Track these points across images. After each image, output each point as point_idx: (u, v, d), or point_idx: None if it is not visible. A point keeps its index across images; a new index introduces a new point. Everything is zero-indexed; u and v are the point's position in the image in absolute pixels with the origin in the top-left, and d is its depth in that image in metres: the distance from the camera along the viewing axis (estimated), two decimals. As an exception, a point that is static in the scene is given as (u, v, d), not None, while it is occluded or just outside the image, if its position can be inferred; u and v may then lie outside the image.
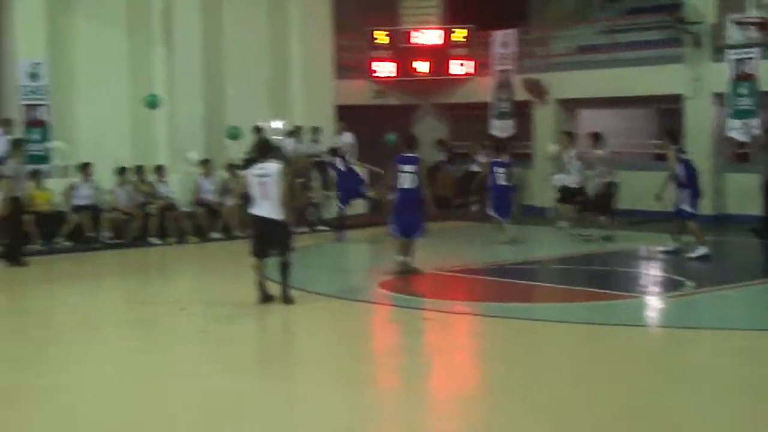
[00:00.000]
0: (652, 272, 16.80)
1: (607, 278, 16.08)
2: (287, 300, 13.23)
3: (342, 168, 21.38)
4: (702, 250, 17.03)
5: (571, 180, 20.57)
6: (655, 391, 9.09)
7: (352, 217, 23.61)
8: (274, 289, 13.45)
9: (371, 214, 24.13)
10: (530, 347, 11.20)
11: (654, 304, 13.77)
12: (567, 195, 20.83)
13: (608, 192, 19.61)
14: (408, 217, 15.46)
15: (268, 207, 13.12)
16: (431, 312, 13.00)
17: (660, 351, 11.03)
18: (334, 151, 21.97)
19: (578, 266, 17.10)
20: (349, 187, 21.43)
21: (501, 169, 19.61)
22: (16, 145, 18.35)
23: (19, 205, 17.95)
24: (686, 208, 17.22)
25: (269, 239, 13.26)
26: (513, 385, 9.36)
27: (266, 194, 13.09)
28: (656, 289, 15.09)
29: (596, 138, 19.91)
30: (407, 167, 15.37)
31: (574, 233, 20.21)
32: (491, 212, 19.63)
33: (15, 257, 17.62)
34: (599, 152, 19.50)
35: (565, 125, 25.02)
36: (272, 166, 13.30)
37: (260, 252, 13.33)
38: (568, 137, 21.53)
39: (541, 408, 8.56)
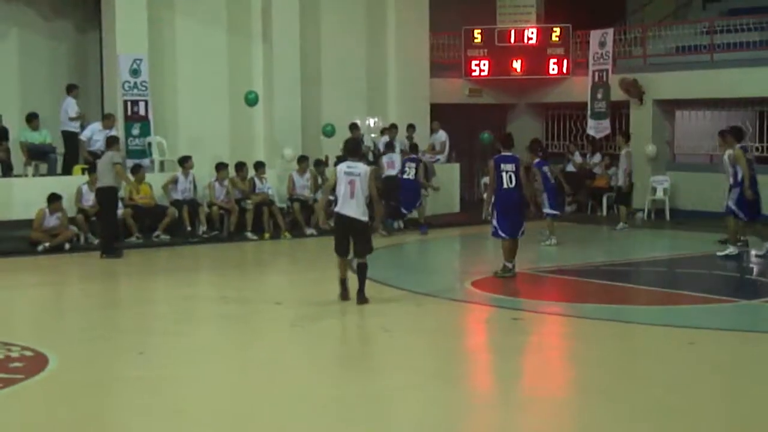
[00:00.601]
0: (747, 276, 16.60)
1: (702, 281, 15.90)
2: (362, 300, 13.27)
3: (404, 175, 21.38)
4: (731, 249, 17.33)
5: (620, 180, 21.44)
6: (758, 399, 9.02)
7: (445, 216, 23.71)
8: (372, 287, 13.57)
9: (461, 213, 24.26)
10: (625, 350, 11.16)
11: (750, 308, 13.58)
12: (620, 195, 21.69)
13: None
14: (511, 218, 15.32)
15: (353, 206, 13.15)
16: (523, 312, 13.00)
17: (758, 357, 10.86)
18: (413, 148, 21.95)
19: (671, 269, 16.94)
20: (407, 195, 21.37)
21: (546, 168, 19.36)
22: (112, 141, 18.71)
23: (115, 197, 18.34)
24: (731, 205, 17.19)
25: (350, 239, 13.30)
26: (607, 389, 9.32)
27: (353, 194, 13.11)
28: (751, 293, 14.90)
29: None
30: (508, 167, 15.29)
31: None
32: (548, 210, 19.30)
33: (109, 248, 18.02)
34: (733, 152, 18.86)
35: (662, 126, 24.81)
36: (362, 167, 13.38)
37: (343, 250, 13.36)
38: (624, 137, 21.61)
39: (636, 413, 8.51)
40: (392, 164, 21.58)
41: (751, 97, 23.38)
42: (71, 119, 20.95)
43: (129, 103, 21.38)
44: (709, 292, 14.59)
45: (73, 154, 20.89)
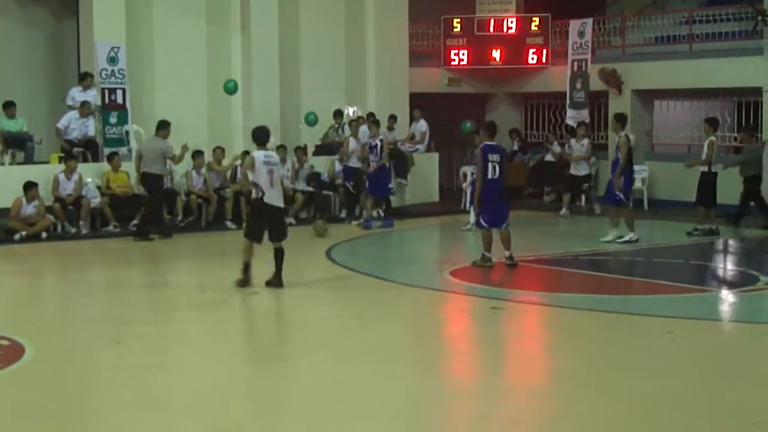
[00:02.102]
0: (725, 266, 16.66)
1: (680, 271, 15.94)
2: (277, 284, 13.50)
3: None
4: (631, 236, 17.61)
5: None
6: (735, 387, 9.06)
7: (423, 206, 23.69)
8: (350, 276, 13.52)
9: (440, 203, 24.27)
10: (603, 339, 11.16)
11: (728, 298, 13.63)
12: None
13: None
14: (494, 208, 15.29)
15: (276, 195, 13.45)
16: (502, 302, 12.99)
17: (736, 346, 10.95)
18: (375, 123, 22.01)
19: (651, 258, 16.96)
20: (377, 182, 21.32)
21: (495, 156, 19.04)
22: (164, 124, 19.01)
23: (162, 184, 19.06)
24: (619, 194, 17.47)
25: (270, 226, 13.56)
26: (585, 378, 9.34)
27: (273, 182, 13.38)
28: (730, 283, 14.94)
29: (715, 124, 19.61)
30: (494, 156, 15.24)
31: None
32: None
33: (166, 230, 18.83)
34: (712, 139, 19.12)
35: (641, 116, 24.85)
36: (276, 156, 13.81)
37: (258, 237, 13.62)
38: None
39: (614, 402, 8.55)
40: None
41: (730, 87, 23.43)
42: (69, 107, 20.90)
43: (106, 92, 21.26)
44: (687, 281, 14.64)
45: (94, 153, 20.98)
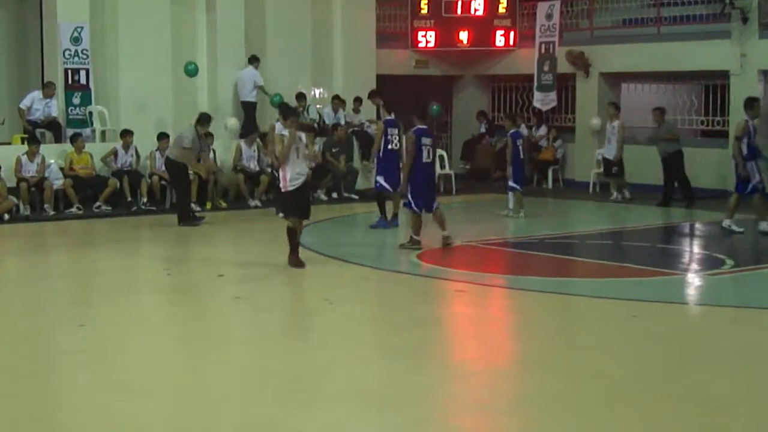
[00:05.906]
0: (691, 249, 16.68)
1: (647, 254, 15.93)
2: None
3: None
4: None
5: (609, 151, 21.74)
6: (700, 371, 9.07)
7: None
8: (316, 259, 13.47)
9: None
10: (568, 322, 11.15)
11: (694, 281, 13.63)
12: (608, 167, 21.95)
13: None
14: (429, 193, 15.31)
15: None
16: (468, 284, 12.94)
17: (701, 329, 10.97)
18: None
19: (617, 241, 16.96)
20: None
21: (520, 140, 19.32)
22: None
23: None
24: (510, 182, 18.41)
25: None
26: (550, 360, 9.30)
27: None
28: (696, 266, 14.94)
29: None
30: (428, 140, 15.21)
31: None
32: (512, 184, 19.14)
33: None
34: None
35: (608, 99, 24.82)
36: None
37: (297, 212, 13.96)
38: (615, 108, 22.03)
39: (579, 384, 8.52)
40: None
41: (698, 70, 23.45)
42: (259, 87, 21.89)
43: (69, 72, 21.04)
44: (652, 265, 14.61)
45: (251, 124, 21.75)
